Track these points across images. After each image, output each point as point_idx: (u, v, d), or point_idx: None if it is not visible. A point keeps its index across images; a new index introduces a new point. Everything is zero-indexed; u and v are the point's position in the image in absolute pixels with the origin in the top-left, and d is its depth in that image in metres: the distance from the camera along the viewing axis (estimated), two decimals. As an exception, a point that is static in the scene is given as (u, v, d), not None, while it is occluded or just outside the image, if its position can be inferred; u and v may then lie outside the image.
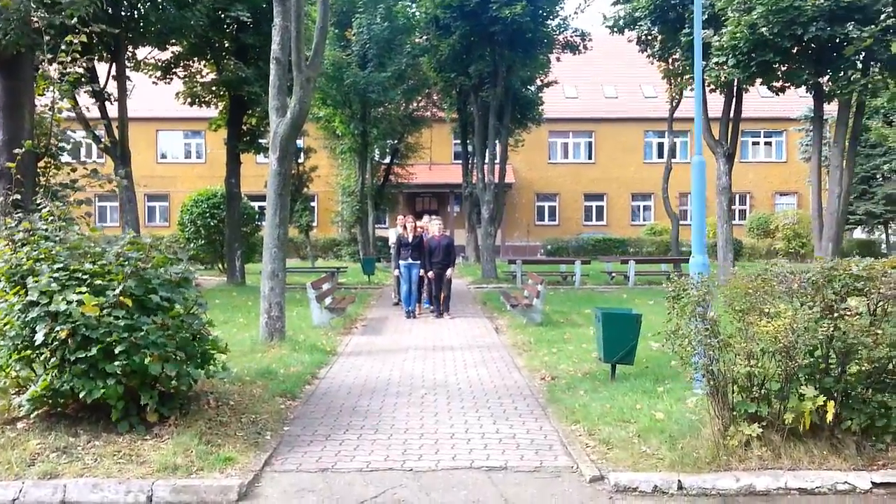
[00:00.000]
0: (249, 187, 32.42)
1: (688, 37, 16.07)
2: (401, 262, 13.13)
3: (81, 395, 5.32)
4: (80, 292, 5.37)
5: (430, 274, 13.00)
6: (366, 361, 9.02)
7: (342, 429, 6.05)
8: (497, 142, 21.40)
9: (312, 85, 9.26)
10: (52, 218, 6.24)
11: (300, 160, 26.45)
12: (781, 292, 5.28)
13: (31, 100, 6.95)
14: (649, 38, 17.80)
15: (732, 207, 35.84)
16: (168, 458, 5.03)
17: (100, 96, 16.03)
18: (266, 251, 9.51)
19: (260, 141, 19.31)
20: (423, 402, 6.89)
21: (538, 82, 25.43)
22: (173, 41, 16.75)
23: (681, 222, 35.62)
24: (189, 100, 19.05)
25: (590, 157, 37.35)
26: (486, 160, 20.78)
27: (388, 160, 30.27)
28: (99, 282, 5.52)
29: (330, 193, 34.17)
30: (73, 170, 7.92)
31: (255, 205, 33.43)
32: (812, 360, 4.99)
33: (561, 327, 11.37)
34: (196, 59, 18.50)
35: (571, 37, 21.02)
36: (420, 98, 28.68)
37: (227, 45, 18.05)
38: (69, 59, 7.44)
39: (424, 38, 20.85)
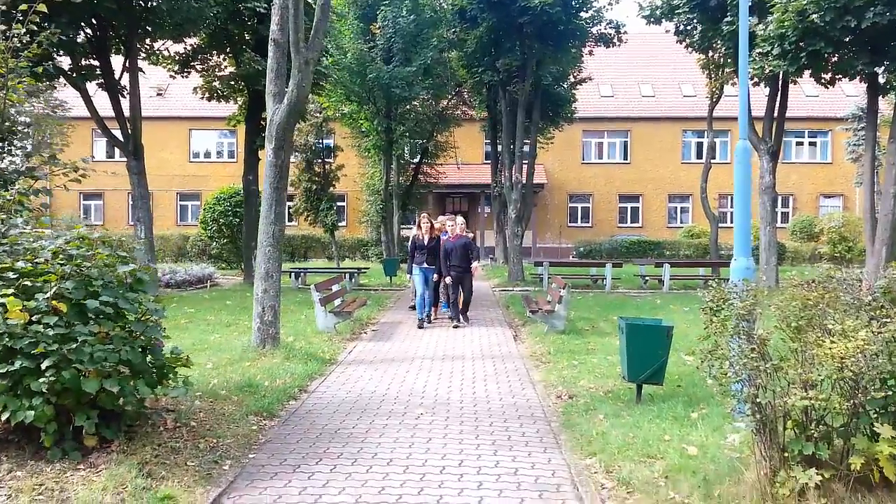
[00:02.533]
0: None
1: (730, 26, 14.88)
2: (415, 266, 11.88)
3: (4, 417, 4.54)
4: (5, 295, 4.61)
5: (448, 279, 11.80)
6: (365, 372, 8.15)
7: (316, 457, 5.17)
8: (525, 140, 20.39)
9: (312, 68, 8.44)
10: (-7, 209, 5.49)
11: (327, 158, 25.84)
12: (848, 305, 4.26)
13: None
14: (688, 28, 16.61)
15: (775, 209, 34.60)
16: (94, 495, 4.20)
17: (112, 90, 15.49)
18: (260, 250, 8.72)
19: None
20: (417, 425, 5.98)
21: (571, 79, 24.38)
22: (189, 33, 16.14)
23: (720, 224, 34.47)
24: (207, 94, 18.46)
25: (625, 158, 36.06)
26: (514, 159, 19.79)
27: (416, 160, 29.45)
28: (29, 283, 4.75)
29: (359, 193, 33.50)
30: (28, 156, 7.22)
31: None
32: (889, 391, 3.95)
33: (585, 336, 10.36)
34: (215, 52, 17.89)
35: (605, 29, 19.93)
36: (450, 96, 27.87)
37: (246, 37, 17.40)
38: (23, 30, 6.66)
39: (451, 31, 19.95)
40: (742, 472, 4.32)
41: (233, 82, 17.76)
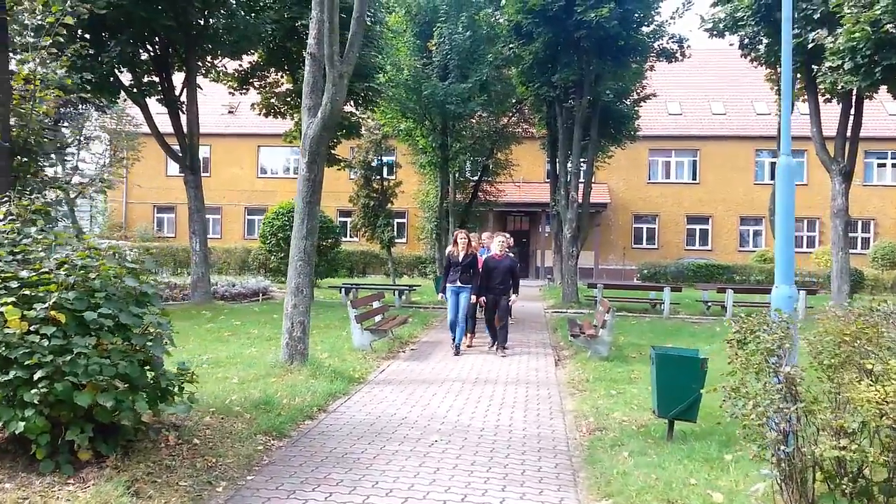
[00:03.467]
0: (331, 202, 32.52)
1: (796, 38, 14.11)
2: (448, 285, 10.88)
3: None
4: (5, 304, 4.58)
5: (483, 300, 10.79)
6: (391, 393, 7.90)
7: (315, 483, 4.93)
8: (583, 158, 19.89)
9: (346, 82, 8.33)
10: (10, 217, 5.53)
11: (385, 175, 25.97)
12: (894, 342, 3.76)
13: (6, 86, 6.29)
14: (753, 41, 15.86)
15: (854, 235, 32.75)
16: (75, 513, 4.08)
17: (172, 106, 15.92)
18: (291, 265, 8.62)
19: (332, 152, 18.74)
20: (429, 453, 5.68)
21: (634, 95, 23.72)
22: (247, 50, 16.48)
23: (796, 250, 32.84)
24: (265, 111, 18.79)
25: (694, 178, 34.89)
26: (570, 177, 19.33)
27: (476, 177, 29.25)
28: (30, 292, 4.71)
29: (418, 210, 33.55)
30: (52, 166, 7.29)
31: (342, 220, 33.69)
32: (936, 444, 3.43)
33: (630, 364, 9.82)
34: (273, 69, 18.21)
35: (667, 43, 19.31)
36: (511, 113, 27.62)
37: (303, 54, 17.63)
38: (49, 42, 6.78)
39: (508, 47, 19.73)
40: (767, 528, 3.85)
41: (289, 98, 18.00)
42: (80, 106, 19.60)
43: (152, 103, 16.75)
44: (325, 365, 8.67)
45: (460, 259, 10.78)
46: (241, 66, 18.14)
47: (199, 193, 15.99)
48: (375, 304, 12.13)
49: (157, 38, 15.14)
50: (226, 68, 17.83)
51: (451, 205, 23.89)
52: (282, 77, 18.32)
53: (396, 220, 31.37)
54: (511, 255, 11.33)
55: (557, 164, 21.97)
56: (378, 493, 4.77)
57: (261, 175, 37.85)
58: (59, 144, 6.18)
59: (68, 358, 4.53)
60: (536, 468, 5.40)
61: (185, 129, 15.86)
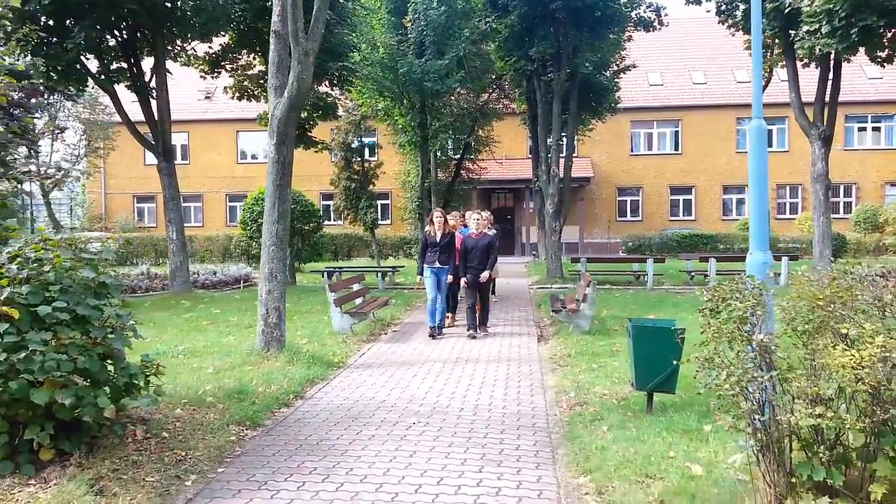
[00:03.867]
0: (313, 185, 32.19)
1: (773, 3, 13.96)
2: (426, 266, 10.47)
3: (-47, 428, 4.34)
4: (-47, 301, 4.40)
5: (464, 281, 10.41)
6: (371, 377, 7.79)
7: (287, 473, 4.81)
8: (563, 132, 19.72)
9: (312, 59, 8.10)
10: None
11: (365, 156, 25.68)
12: (868, 305, 3.66)
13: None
14: (730, 7, 15.67)
15: (836, 200, 32.83)
16: (34, 514, 3.95)
17: (142, 92, 15.57)
18: (264, 250, 8.44)
19: (310, 135, 18.46)
20: (406, 436, 5.57)
21: (613, 67, 23.49)
22: (217, 32, 16.10)
23: (777, 216, 32.90)
24: (238, 94, 18.44)
25: (676, 148, 34.80)
26: (551, 151, 19.17)
27: (458, 156, 29.01)
28: (-21, 288, 4.53)
29: (401, 191, 33.31)
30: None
31: (325, 203, 33.36)
32: (913, 408, 3.34)
33: (612, 336, 9.75)
34: (245, 51, 17.85)
35: (645, 12, 19.09)
36: (491, 90, 27.34)
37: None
38: None
39: (484, 21, 19.42)
40: (744, 501, 3.76)
41: (262, 81, 17.66)
42: (48, 95, 19.13)
43: (122, 90, 16.37)
44: (303, 351, 8.53)
45: (438, 239, 10.42)
46: (210, 48, 17.74)
47: (173, 181, 15.71)
48: (356, 287, 11.97)
49: (123, 23, 14.75)
50: (195, 52, 17.44)
51: (433, 184, 23.67)
52: (254, 59, 17.98)
53: (380, 202, 31.12)
54: (490, 232, 11.09)
55: (539, 140, 21.75)
56: (352, 479, 4.66)
57: (241, 161, 37.36)
58: (12, 133, 5.89)
59: (23, 355, 4.37)
60: (515, 447, 5.31)
61: (156, 116, 15.51)
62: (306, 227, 22.95)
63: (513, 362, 8.54)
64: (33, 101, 19.10)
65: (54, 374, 4.42)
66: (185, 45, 16.86)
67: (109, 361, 4.91)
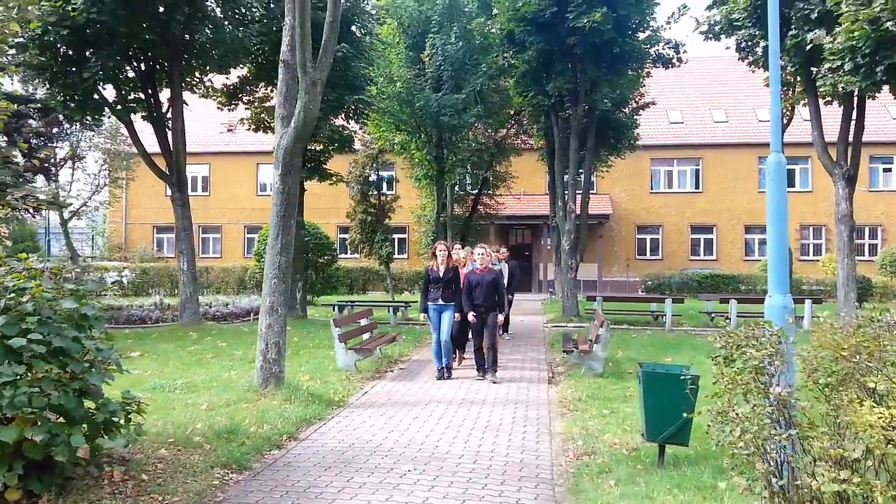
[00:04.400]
0: (332, 218, 32.18)
1: (794, 39, 13.72)
2: (429, 304, 9.82)
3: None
4: (-78, 332, 4.20)
5: (471, 316, 9.62)
6: (370, 417, 7.46)
7: (268, 522, 4.50)
8: (581, 168, 19.49)
9: (319, 89, 7.97)
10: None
11: (382, 189, 25.64)
12: (899, 357, 3.31)
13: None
14: (750, 44, 15.45)
15: (861, 241, 32.11)
16: (-14, 564, 3.66)
17: (158, 123, 15.63)
18: (266, 282, 8.22)
19: (325, 167, 18.40)
20: (399, 485, 5.23)
21: (633, 104, 23.32)
22: (234, 65, 16.19)
23: (800, 258, 32.21)
24: (255, 126, 18.49)
25: (697, 187, 34.40)
26: (567, 187, 18.93)
27: (476, 191, 28.87)
28: (-49, 319, 4.32)
29: (419, 224, 33.20)
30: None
31: (342, 236, 33.29)
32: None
33: (626, 380, 9.34)
34: (262, 83, 17.93)
35: (663, 49, 18.95)
36: (510, 125, 27.29)
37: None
38: None
39: (502, 56, 19.39)
40: (761, 572, 3.39)
41: (278, 114, 17.71)
42: (68, 125, 19.34)
43: (140, 121, 16.46)
44: (302, 388, 8.23)
45: (441, 274, 9.75)
46: (228, 80, 17.85)
47: (186, 212, 15.64)
48: (363, 322, 11.69)
49: (141, 54, 14.86)
50: (212, 83, 17.54)
51: (448, 218, 23.47)
52: (271, 91, 18.02)
53: (396, 236, 30.97)
54: (497, 267, 10.65)
55: (556, 176, 21.53)
56: (335, 532, 4.33)
57: (260, 193, 37.52)
58: (6, 158, 5.77)
59: (-8, 389, 4.15)
60: (514, 500, 4.95)
61: (171, 147, 15.53)
62: (320, 260, 22.90)
63: (520, 405, 8.17)
64: (54, 130, 19.39)
65: (25, 410, 4.18)
66: (203, 76, 16.94)
67: (89, 398, 4.66)
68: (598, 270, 32.85)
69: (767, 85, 20.04)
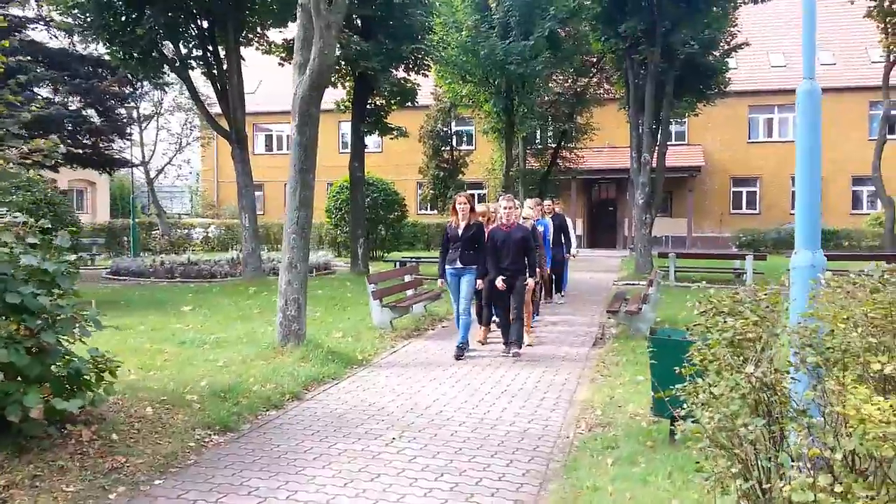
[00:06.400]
0: (410, 174, 31.92)
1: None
2: (447, 267, 8.32)
3: None
4: None
5: (499, 282, 8.02)
6: (386, 378, 7.11)
7: (224, 492, 4.23)
8: (659, 117, 18.20)
9: (335, 32, 7.50)
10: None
11: (455, 145, 25.12)
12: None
13: None
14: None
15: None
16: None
17: (219, 80, 15.64)
18: (285, 238, 7.95)
19: (385, 121, 18.01)
20: (380, 454, 4.85)
21: (724, 45, 21.48)
22: (293, 18, 15.89)
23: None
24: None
25: (800, 135, 31.73)
26: (642, 137, 17.74)
27: (555, 144, 27.79)
28: None
29: (489, 179, 32.53)
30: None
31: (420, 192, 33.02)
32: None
33: (676, 344, 8.55)
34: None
35: (753, -20, 17.23)
36: (592, 73, 25.94)
37: (353, 18, 16.89)
38: None
39: (574, -2, 18.18)
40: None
41: (338, 67, 17.35)
42: (138, 84, 19.79)
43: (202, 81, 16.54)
44: (323, 346, 7.97)
45: (460, 231, 8.18)
46: (287, 35, 17.64)
47: (246, 168, 15.69)
48: (407, 278, 11.33)
49: (196, 9, 14.80)
50: (270, 38, 17.35)
51: (520, 173, 22.67)
52: (332, 44, 17.66)
53: (475, 192, 30.42)
54: (529, 223, 9.18)
55: (631, 125, 20.27)
56: (287, 506, 4.00)
57: (342, 150, 37.74)
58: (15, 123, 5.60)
59: (-64, 346, 4.02)
60: (498, 476, 4.47)
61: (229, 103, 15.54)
62: (390, 216, 22.72)
63: (550, 369, 7.59)
64: (126, 90, 19.89)
65: (-33, 370, 4.04)
66: (262, 31, 16.79)
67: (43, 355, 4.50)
68: (688, 226, 31.16)
69: (870, 17, 17.84)
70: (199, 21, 15.16)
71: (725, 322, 2.76)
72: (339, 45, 16.81)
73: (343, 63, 16.30)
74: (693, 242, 30.89)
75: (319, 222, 32.19)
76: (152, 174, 27.31)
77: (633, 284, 16.11)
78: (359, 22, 16.42)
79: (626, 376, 7.02)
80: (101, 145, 18.95)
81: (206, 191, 39.12)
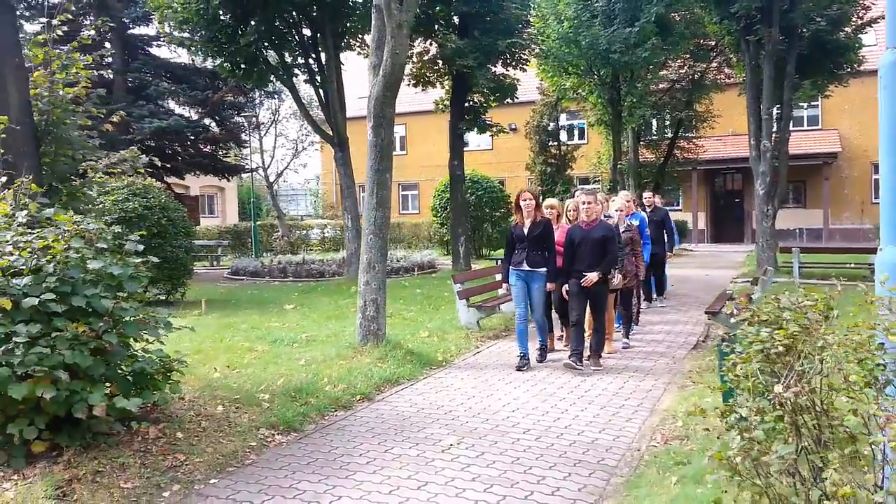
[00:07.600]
0: (522, 171, 31.56)
1: None
2: (511, 269, 7.47)
3: (-48, 417, 4.38)
4: (-45, 291, 4.43)
5: (565, 289, 7.38)
6: (462, 381, 6.96)
7: (273, 494, 4.25)
8: (780, 100, 16.88)
9: (406, 32, 7.42)
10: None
11: (563, 140, 24.57)
12: None
13: (13, 66, 5.76)
14: None
15: None
16: (-20, 515, 3.79)
17: (322, 85, 16.08)
18: (363, 239, 7.99)
19: (483, 117, 17.85)
20: (433, 461, 4.71)
21: (857, 20, 19.62)
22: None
23: None
24: (414, 81, 18.40)
25: (953, 114, 28.55)
26: (762, 122, 16.53)
27: (672, 134, 26.55)
28: (-17, 278, 4.53)
29: (596, 173, 31.56)
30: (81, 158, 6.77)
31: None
32: None
33: (783, 348, 7.83)
34: (421, 38, 17.71)
35: (886, -54, 15.55)
36: (711, 58, 24.55)
37: (451, 15, 16.88)
38: (57, 18, 6.51)
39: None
40: None
41: (435, 67, 17.39)
42: (252, 94, 20.73)
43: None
44: (403, 346, 7.94)
45: (525, 231, 7.38)
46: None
47: (348, 171, 16.05)
48: (498, 277, 11.10)
49: (296, 18, 15.28)
50: (367, 43, 17.64)
51: (631, 165, 21.80)
52: (430, 44, 17.73)
53: (591, 186, 29.59)
54: (613, 221, 8.26)
55: (747, 110, 18.94)
56: (326, 512, 3.95)
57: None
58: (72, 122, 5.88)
59: (8, 347, 4.28)
60: (551, 490, 4.21)
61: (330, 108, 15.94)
62: (496, 214, 22.56)
63: (638, 374, 7.16)
64: (241, 99, 20.91)
65: (35, 369, 4.27)
66: (364, 36, 17.10)
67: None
68: (825, 217, 28.85)
69: None
70: (300, 29, 15.66)
71: (758, 333, 2.39)
72: (436, 44, 16.89)
73: (440, 62, 16.29)
74: (831, 235, 28.62)
75: (427, 221, 32.69)
76: (272, 178, 28.62)
77: (749, 282, 15.02)
78: (456, 20, 16.35)
79: (717, 384, 6.47)
80: (219, 153, 20.06)
81: (326, 192, 40.61)
